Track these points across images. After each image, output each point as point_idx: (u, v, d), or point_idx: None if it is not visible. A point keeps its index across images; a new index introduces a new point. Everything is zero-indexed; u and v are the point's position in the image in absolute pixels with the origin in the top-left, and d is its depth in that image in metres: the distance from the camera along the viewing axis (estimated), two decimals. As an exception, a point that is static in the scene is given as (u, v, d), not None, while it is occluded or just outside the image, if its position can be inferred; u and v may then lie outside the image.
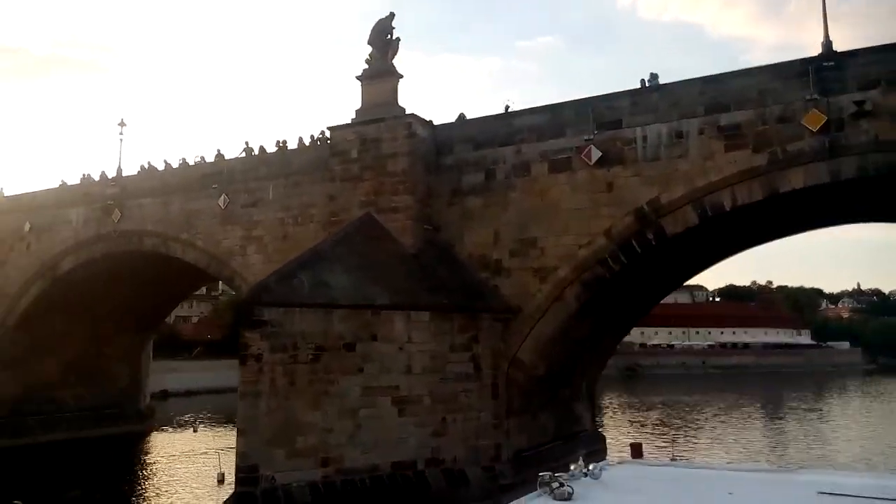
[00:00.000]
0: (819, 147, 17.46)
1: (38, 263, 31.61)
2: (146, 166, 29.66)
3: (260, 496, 16.78)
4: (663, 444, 34.31)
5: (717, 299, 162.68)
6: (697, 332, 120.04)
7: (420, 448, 19.10)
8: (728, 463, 24.21)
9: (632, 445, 9.02)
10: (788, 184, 17.96)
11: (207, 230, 26.92)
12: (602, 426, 46.02)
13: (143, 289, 33.29)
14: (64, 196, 31.69)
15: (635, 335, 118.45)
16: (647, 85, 20.69)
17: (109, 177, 30.38)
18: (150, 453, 34.02)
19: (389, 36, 23.10)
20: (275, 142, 26.57)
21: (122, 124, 31.09)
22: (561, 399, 24.66)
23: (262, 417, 17.19)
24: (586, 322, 22.08)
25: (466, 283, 21.46)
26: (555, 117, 21.26)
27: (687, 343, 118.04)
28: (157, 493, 25.31)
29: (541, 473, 6.73)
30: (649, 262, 20.88)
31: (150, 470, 29.80)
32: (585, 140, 20.37)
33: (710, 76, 19.51)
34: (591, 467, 7.22)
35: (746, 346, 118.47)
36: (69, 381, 35.12)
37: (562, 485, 6.42)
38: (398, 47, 23.12)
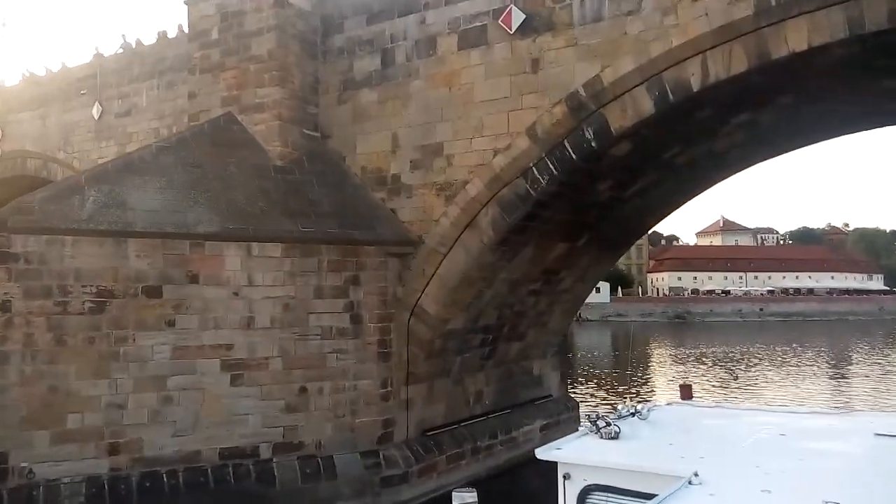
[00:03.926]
0: (834, -18, 11.05)
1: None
2: (27, 74, 24.75)
3: (7, 496, 12.01)
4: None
5: (790, 242, 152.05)
6: (756, 277, 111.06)
7: (266, 429, 14.01)
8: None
9: (681, 387, 9.35)
10: (785, 45, 11.61)
11: (82, 147, 22.00)
12: (646, 374, 41.00)
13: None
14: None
15: (687, 280, 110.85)
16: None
17: (-7, 88, 25.71)
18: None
19: None
20: (156, 34, 21.12)
21: (1, 24, 26.10)
22: (505, 358, 19.14)
23: (14, 388, 12.28)
24: (519, 258, 16.33)
25: (351, 205, 15.93)
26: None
27: (745, 289, 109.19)
28: None
29: (587, 414, 7.23)
30: (595, 175, 14.91)
31: None
32: (502, -3, 14.32)
33: None
34: (639, 407, 7.47)
35: (811, 291, 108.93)
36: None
37: (608, 424, 6.63)
38: None
